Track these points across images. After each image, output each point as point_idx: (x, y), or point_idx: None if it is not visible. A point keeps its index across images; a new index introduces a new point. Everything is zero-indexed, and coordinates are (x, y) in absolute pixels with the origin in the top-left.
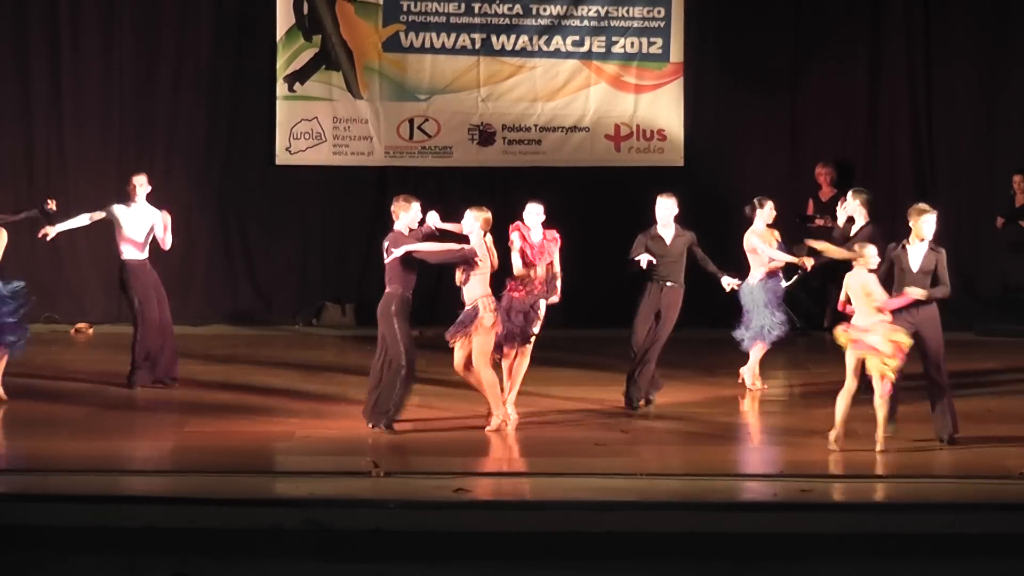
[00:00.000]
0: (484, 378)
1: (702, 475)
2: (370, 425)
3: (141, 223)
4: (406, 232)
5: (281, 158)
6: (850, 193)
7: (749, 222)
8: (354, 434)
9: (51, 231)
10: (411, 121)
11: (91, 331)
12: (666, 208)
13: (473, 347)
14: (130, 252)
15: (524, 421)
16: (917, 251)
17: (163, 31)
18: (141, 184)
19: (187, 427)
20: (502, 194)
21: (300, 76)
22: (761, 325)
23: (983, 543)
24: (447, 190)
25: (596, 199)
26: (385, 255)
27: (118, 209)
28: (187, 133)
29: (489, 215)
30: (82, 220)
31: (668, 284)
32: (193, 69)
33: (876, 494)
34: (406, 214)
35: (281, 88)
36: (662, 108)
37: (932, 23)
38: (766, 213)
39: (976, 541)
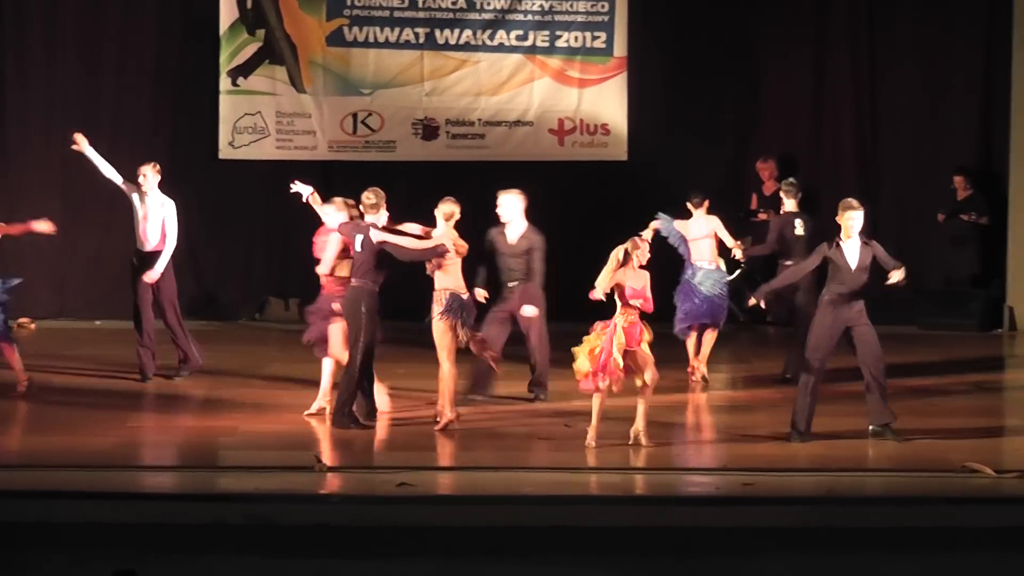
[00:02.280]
0: (442, 372)
1: (645, 470)
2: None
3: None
4: (379, 224)
5: (224, 152)
6: (781, 189)
7: (690, 214)
8: (298, 429)
9: (83, 144)
10: (355, 115)
11: (33, 326)
12: (508, 205)
13: (434, 338)
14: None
15: (467, 416)
16: (852, 248)
17: (107, 24)
18: (146, 175)
19: (129, 422)
20: (446, 188)
21: (243, 70)
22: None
23: (926, 537)
24: (391, 185)
25: (540, 193)
26: (358, 246)
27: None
28: (131, 127)
29: (455, 208)
30: (111, 173)
31: (511, 284)
32: (137, 63)
33: (819, 488)
34: (383, 207)
35: (224, 82)
36: (606, 102)
37: (877, 20)
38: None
39: (919, 535)
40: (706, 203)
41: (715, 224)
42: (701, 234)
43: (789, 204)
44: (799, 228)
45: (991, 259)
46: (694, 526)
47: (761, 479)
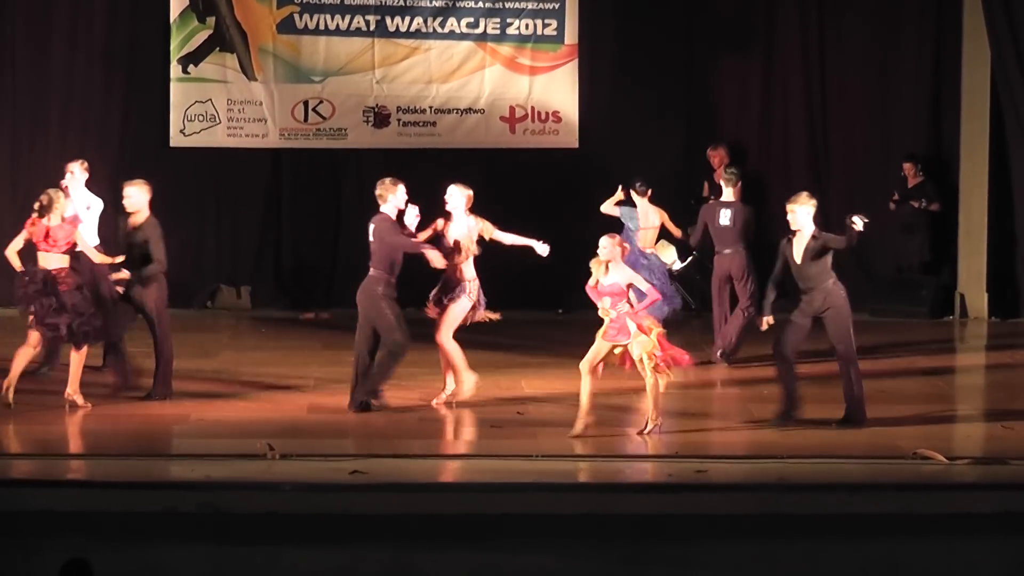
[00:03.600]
0: (451, 347)
1: (597, 457)
2: (353, 410)
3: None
4: (394, 214)
5: (175, 140)
6: (721, 177)
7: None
8: (249, 416)
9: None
10: (306, 103)
11: None
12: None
13: (448, 319)
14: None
15: (420, 404)
16: (800, 242)
17: (56, 10)
18: (72, 172)
19: (80, 410)
20: (398, 176)
21: (194, 58)
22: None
23: (877, 523)
24: (342, 172)
25: (491, 181)
26: (371, 236)
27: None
28: (80, 114)
29: (471, 192)
30: None
31: None
32: (86, 50)
33: (771, 474)
34: (393, 196)
35: (175, 70)
36: (557, 90)
37: (826, 6)
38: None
39: (870, 521)
40: (650, 192)
41: (662, 214)
42: (648, 223)
43: (727, 193)
44: (724, 218)
45: (942, 246)
46: (647, 513)
47: (713, 466)
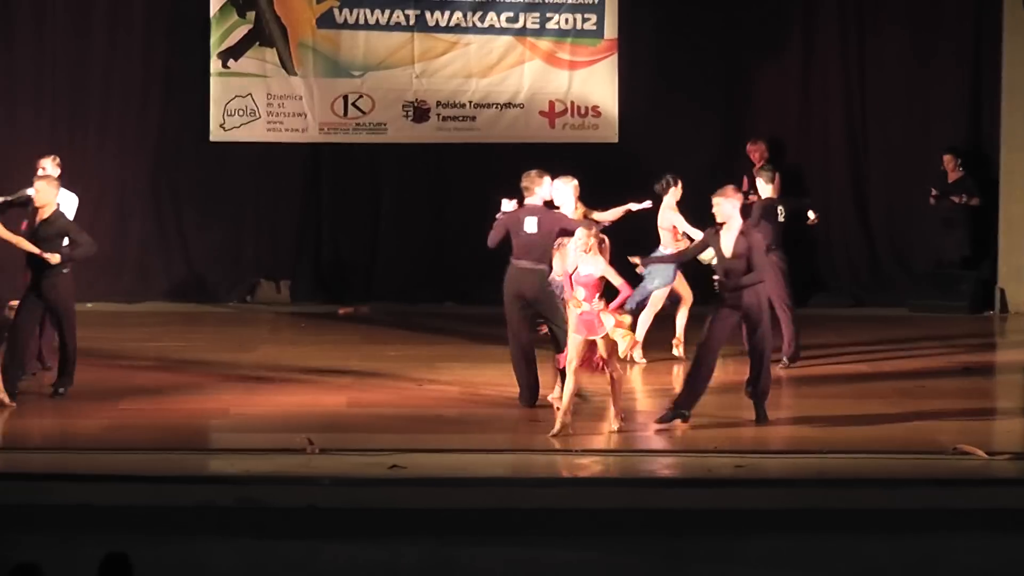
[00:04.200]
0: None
1: (637, 451)
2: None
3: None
4: (541, 204)
5: (215, 134)
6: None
7: (660, 199)
8: (288, 410)
9: None
10: (345, 97)
11: None
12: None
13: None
14: None
15: (459, 398)
16: (729, 236)
17: (96, 6)
18: (44, 167)
19: (121, 405)
20: (436, 170)
21: (234, 53)
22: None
23: (916, 518)
24: (381, 166)
25: None
26: (533, 228)
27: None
28: (120, 109)
29: (576, 182)
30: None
31: None
32: (126, 45)
33: (810, 470)
34: (540, 188)
35: (215, 64)
36: (596, 84)
37: (865, 0)
38: (678, 191)
39: (909, 516)
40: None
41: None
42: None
43: (766, 190)
44: (781, 215)
45: (981, 241)
46: (686, 508)
47: (752, 461)
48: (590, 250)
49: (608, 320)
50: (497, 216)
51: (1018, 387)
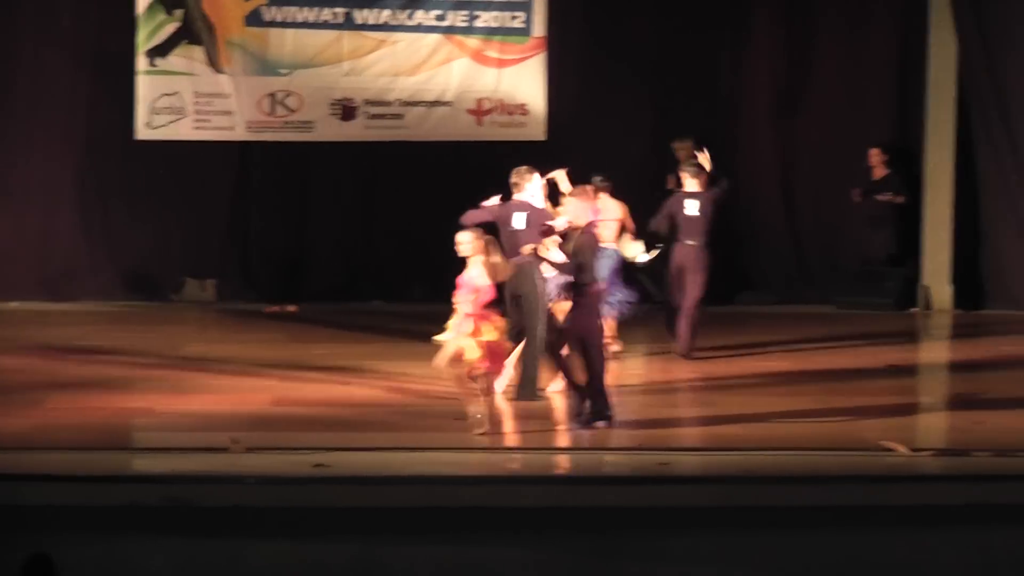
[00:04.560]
0: None
1: (564, 450)
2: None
3: None
4: (533, 202)
5: (142, 133)
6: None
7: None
8: (214, 409)
9: None
10: (273, 96)
11: None
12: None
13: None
14: None
15: (386, 397)
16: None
17: (21, 3)
18: None
19: (47, 404)
20: (364, 169)
21: (161, 50)
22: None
23: (843, 515)
24: (309, 165)
25: (458, 174)
26: (521, 223)
27: None
28: (47, 107)
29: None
30: None
31: None
32: (52, 42)
33: (735, 467)
34: (530, 184)
35: (142, 62)
36: (524, 82)
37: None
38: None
39: (835, 513)
40: (610, 186)
41: (623, 208)
42: (609, 216)
43: (691, 184)
44: (691, 208)
45: (907, 238)
46: (613, 505)
47: (678, 459)
48: (476, 253)
49: (477, 326)
50: (483, 204)
51: (941, 384)
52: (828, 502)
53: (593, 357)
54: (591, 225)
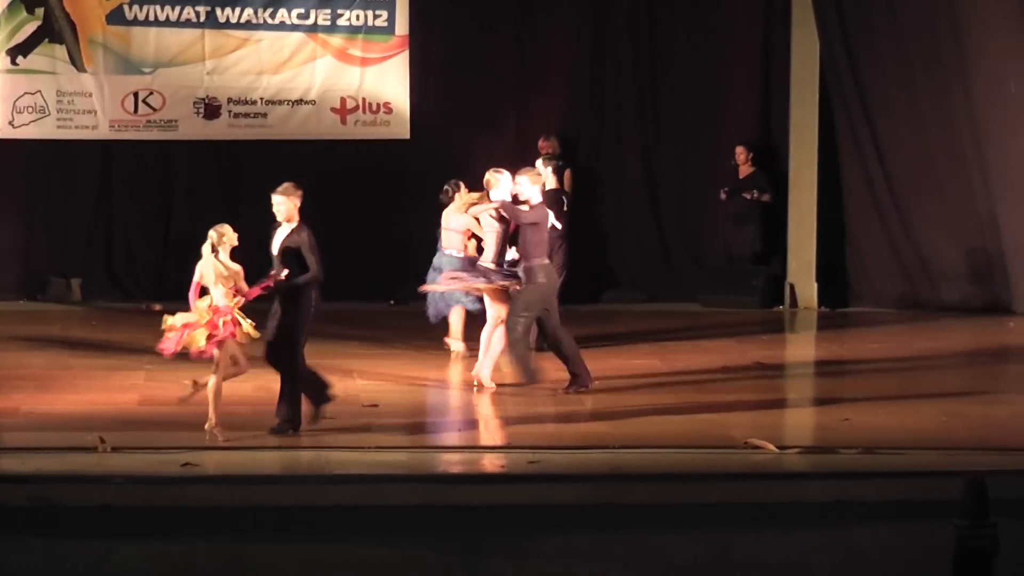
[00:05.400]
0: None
1: (432, 448)
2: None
3: None
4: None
5: (4, 132)
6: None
7: (445, 205)
8: (80, 409)
9: None
10: (136, 95)
11: None
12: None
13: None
14: None
15: (252, 395)
16: (280, 233)
17: None
18: None
19: None
20: (228, 168)
21: (22, 49)
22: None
23: (710, 513)
24: (173, 164)
25: (323, 172)
26: (496, 220)
27: None
28: None
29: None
30: None
31: None
32: None
33: (603, 465)
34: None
35: (3, 61)
36: (388, 81)
37: None
38: (464, 194)
39: (703, 511)
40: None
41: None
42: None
43: (550, 180)
44: (566, 205)
45: (772, 236)
46: (481, 504)
47: (547, 457)
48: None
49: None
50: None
51: (807, 382)
52: (696, 500)
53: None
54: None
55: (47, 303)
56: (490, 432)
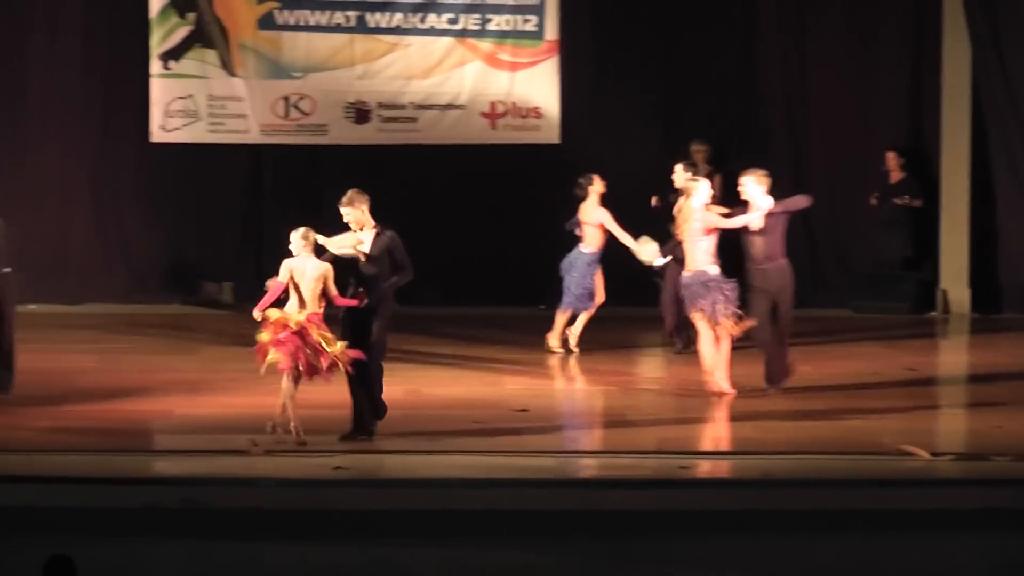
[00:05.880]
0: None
1: (581, 453)
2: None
3: None
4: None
5: (156, 136)
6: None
7: (582, 199)
8: (233, 412)
9: None
10: (286, 99)
11: None
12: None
13: None
14: None
15: (403, 398)
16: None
17: (35, 7)
18: None
19: (64, 407)
20: (377, 172)
21: (174, 54)
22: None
23: (860, 519)
24: (322, 168)
25: (471, 176)
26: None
27: None
28: (61, 110)
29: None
30: None
31: None
32: (66, 46)
33: (753, 470)
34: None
35: (155, 66)
36: (537, 86)
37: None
38: (599, 187)
39: (853, 517)
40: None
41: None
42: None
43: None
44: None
45: (923, 241)
46: (629, 509)
47: (696, 462)
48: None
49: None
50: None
51: (959, 388)
52: (846, 507)
53: None
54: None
55: (199, 306)
56: (640, 436)
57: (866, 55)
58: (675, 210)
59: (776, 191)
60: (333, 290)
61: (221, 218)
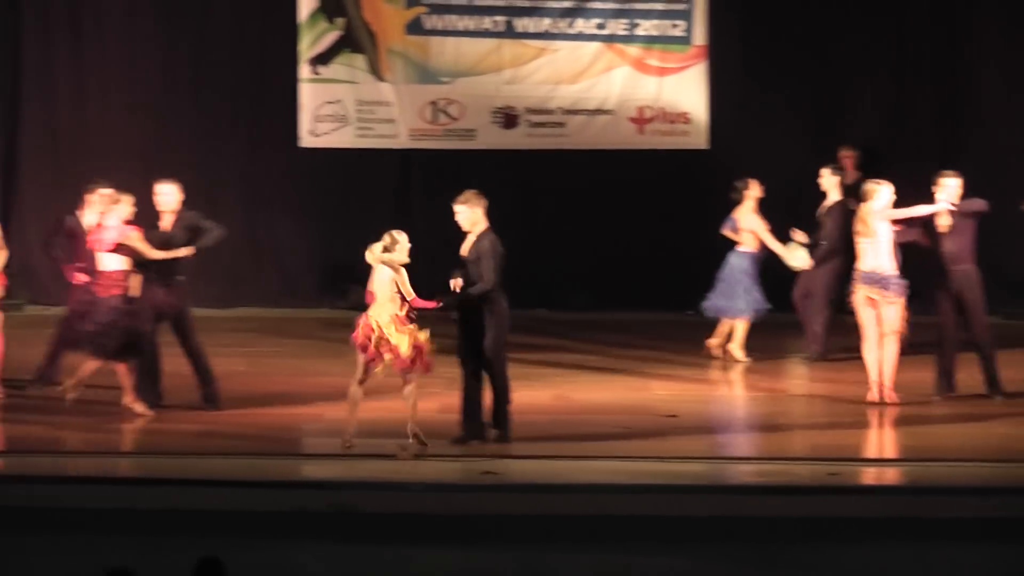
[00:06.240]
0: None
1: (731, 459)
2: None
3: None
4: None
5: (306, 141)
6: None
7: (737, 202)
8: (381, 416)
9: None
10: (434, 104)
11: None
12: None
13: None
14: None
15: (552, 403)
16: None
17: (184, 13)
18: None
19: (215, 410)
20: (525, 177)
21: (323, 59)
22: (747, 299)
23: (1013, 527)
24: (470, 173)
25: (619, 182)
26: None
27: None
28: (210, 115)
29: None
30: None
31: None
32: (215, 52)
33: (904, 477)
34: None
35: (305, 71)
36: (686, 91)
37: (957, 5)
38: (757, 191)
39: (1006, 525)
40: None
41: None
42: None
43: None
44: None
45: None
46: (778, 515)
47: (847, 468)
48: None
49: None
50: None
51: None
52: (996, 515)
53: None
54: None
55: (348, 310)
56: (789, 443)
57: (1017, 47)
58: (819, 212)
59: (927, 197)
60: (409, 292)
61: (370, 222)
